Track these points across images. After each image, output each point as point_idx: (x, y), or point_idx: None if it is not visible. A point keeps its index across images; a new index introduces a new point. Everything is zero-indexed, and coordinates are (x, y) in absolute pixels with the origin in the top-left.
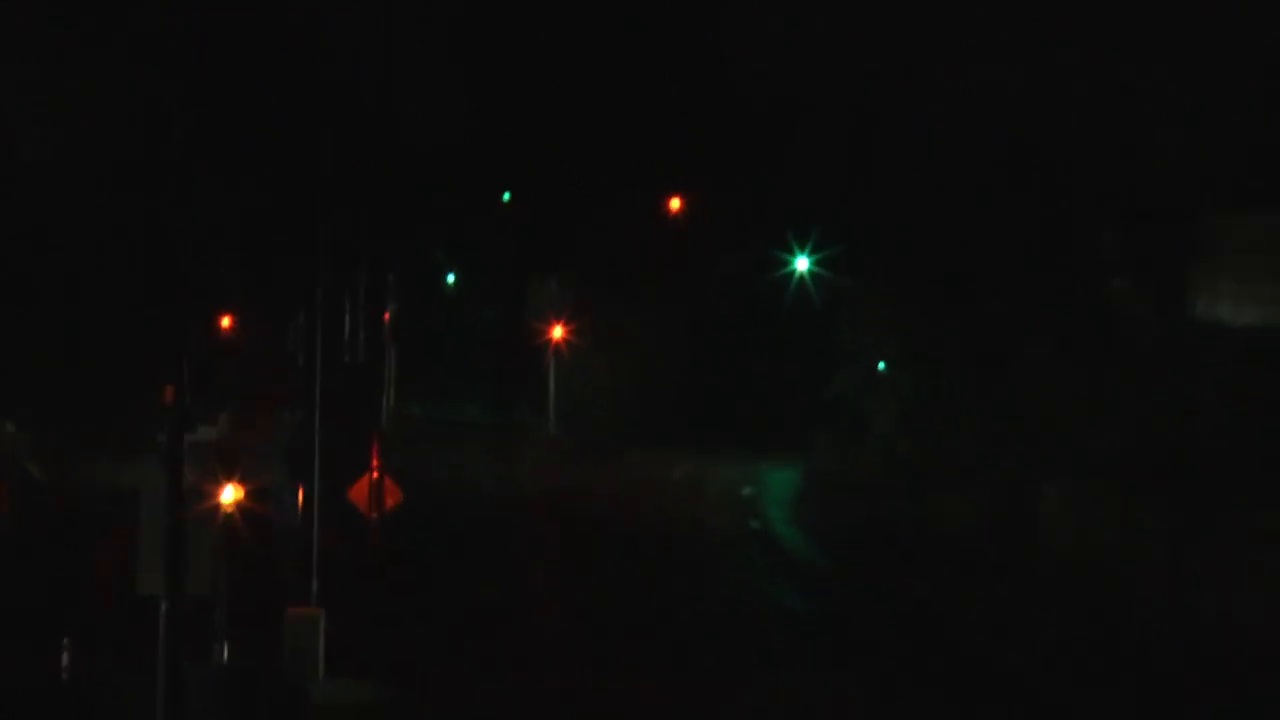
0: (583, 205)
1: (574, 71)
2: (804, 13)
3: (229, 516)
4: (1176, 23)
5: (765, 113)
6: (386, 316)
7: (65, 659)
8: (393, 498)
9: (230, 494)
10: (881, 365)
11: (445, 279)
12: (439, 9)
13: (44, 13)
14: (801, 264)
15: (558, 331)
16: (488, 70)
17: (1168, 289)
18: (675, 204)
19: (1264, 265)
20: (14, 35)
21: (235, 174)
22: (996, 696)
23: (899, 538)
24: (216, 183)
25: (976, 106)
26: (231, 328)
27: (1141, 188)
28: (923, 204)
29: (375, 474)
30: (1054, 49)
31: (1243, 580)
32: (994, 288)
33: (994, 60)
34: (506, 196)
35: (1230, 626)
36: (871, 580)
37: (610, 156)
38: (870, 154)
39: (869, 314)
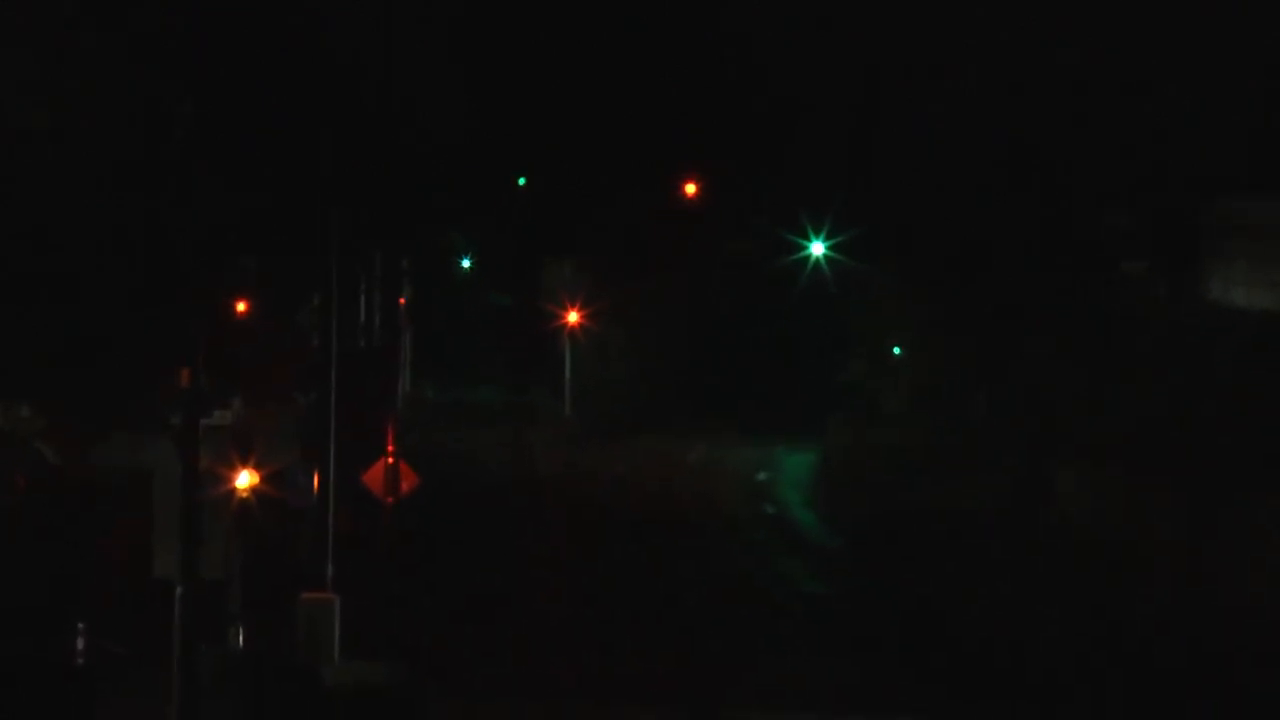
0: (597, 190)
1: (576, 63)
2: (805, 10)
3: (244, 501)
4: (1175, 13)
5: (768, 107)
6: (402, 301)
7: (79, 643)
8: (408, 482)
9: (245, 479)
10: (897, 350)
11: (460, 263)
12: (440, 7)
13: (44, 12)
14: (817, 248)
15: (572, 316)
16: (490, 64)
17: (1180, 273)
18: (690, 189)
19: (1277, 249)
20: (14, 35)
21: (244, 161)
22: (1004, 684)
23: (913, 524)
24: (227, 169)
25: (977, 105)
26: (247, 312)
27: (1152, 172)
28: (924, 197)
29: (390, 458)
30: (1054, 48)
31: (1256, 570)
32: (1001, 277)
33: (994, 60)
34: (522, 181)
35: (1243, 620)
36: (886, 567)
37: (618, 143)
38: (870, 151)
39: (881, 300)
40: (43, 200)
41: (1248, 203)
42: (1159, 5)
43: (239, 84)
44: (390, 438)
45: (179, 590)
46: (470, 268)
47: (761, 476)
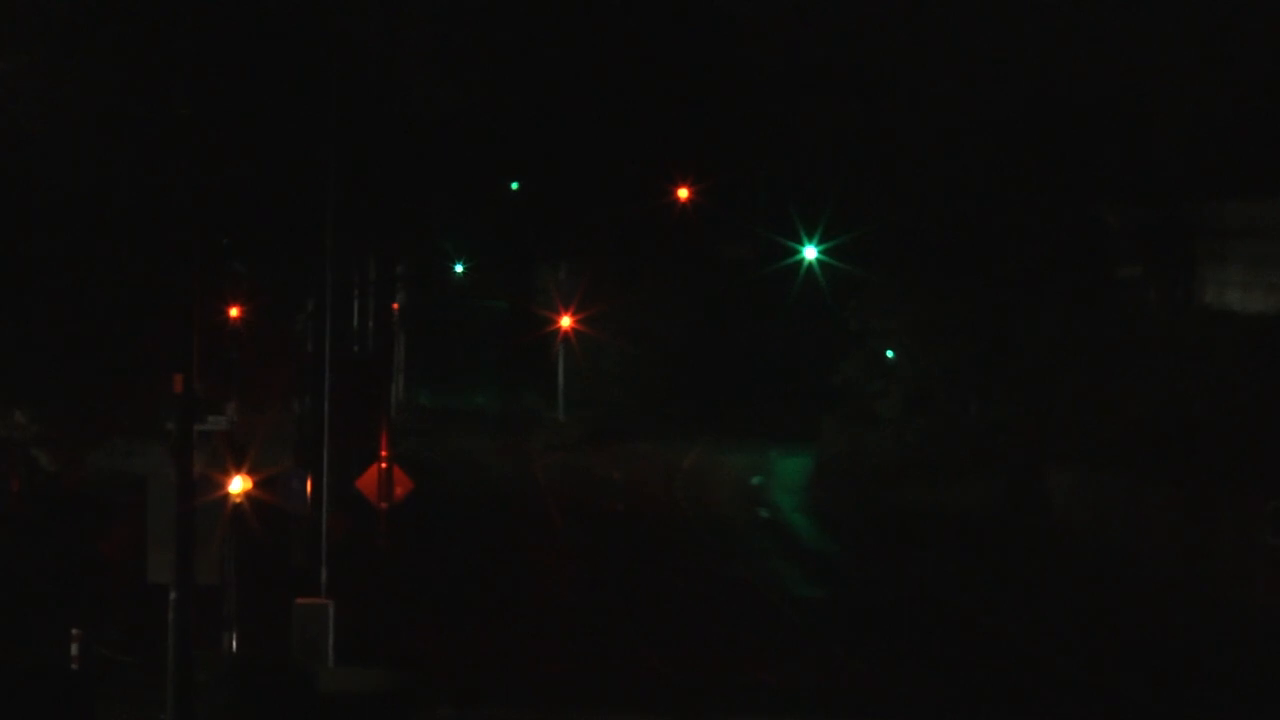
0: (590, 194)
1: (577, 64)
2: (805, 10)
3: (238, 506)
4: (1182, 14)
5: (765, 110)
6: (395, 306)
7: (75, 648)
8: (402, 487)
9: (239, 484)
10: (890, 353)
11: (453, 268)
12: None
13: (41, 10)
14: (810, 253)
15: (566, 320)
16: (487, 66)
17: (1176, 275)
18: (684, 193)
19: (1273, 250)
20: (10, 37)
21: (240, 162)
22: (1002, 683)
23: (908, 524)
24: (222, 171)
25: (981, 102)
26: (240, 317)
27: (1148, 176)
28: (922, 199)
29: (384, 463)
30: (1054, 49)
31: (1252, 571)
32: (998, 280)
33: (997, 56)
34: (515, 185)
35: (1242, 619)
36: (879, 566)
37: (615, 146)
38: (869, 152)
39: (877, 301)
40: (37, 202)
41: (1243, 206)
42: (1159, 6)
43: (238, 82)
44: (384, 443)
45: (173, 595)
46: (464, 272)
47: (756, 480)
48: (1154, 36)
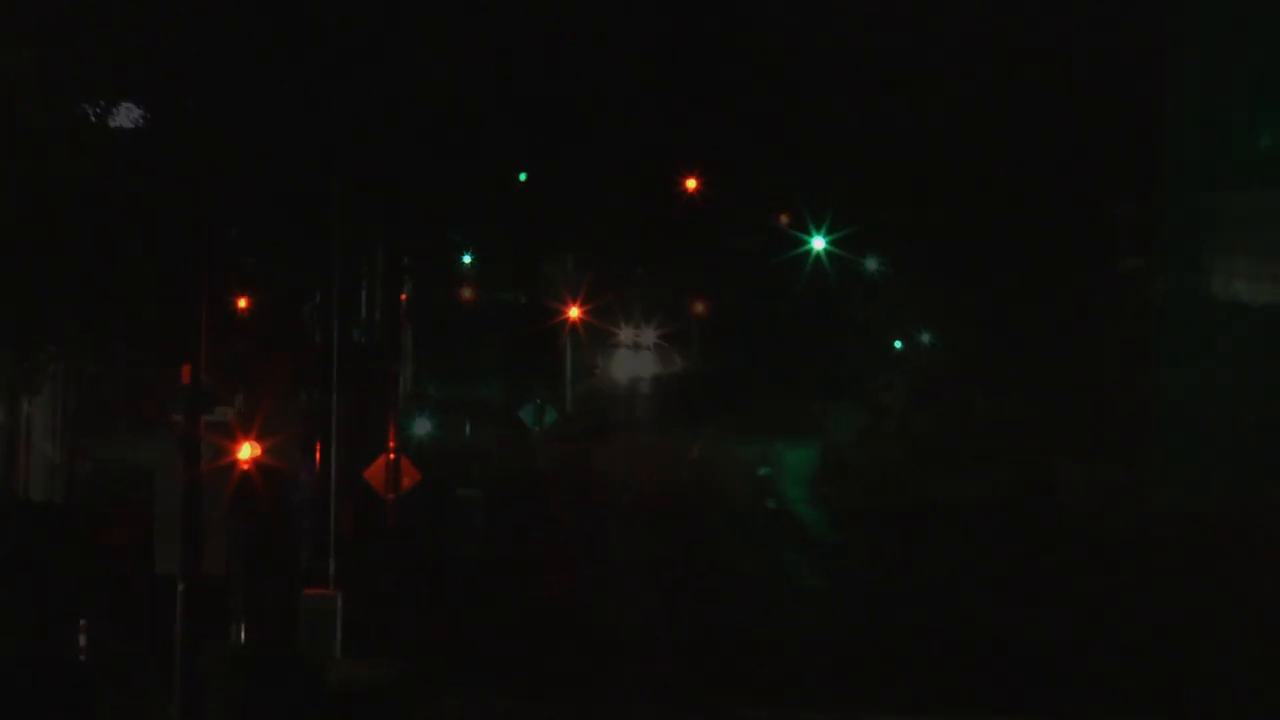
0: (597, 186)
1: (583, 58)
2: (806, 5)
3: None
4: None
5: (771, 102)
6: (403, 297)
7: (82, 639)
8: (409, 478)
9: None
10: (898, 344)
11: (461, 259)
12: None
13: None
14: (818, 243)
15: (574, 311)
16: (497, 52)
17: (1183, 267)
18: (692, 184)
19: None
20: (18, 32)
21: (246, 156)
22: (1007, 679)
23: (915, 516)
24: (230, 166)
25: (982, 97)
26: (248, 308)
27: (1154, 166)
28: (926, 193)
29: (392, 454)
30: (1055, 45)
31: (1258, 563)
32: (1003, 272)
33: (995, 57)
34: (523, 176)
35: (1244, 614)
36: (886, 558)
37: (622, 139)
38: (872, 147)
39: (884, 293)
40: (40, 198)
41: (1250, 196)
42: (1159, 2)
43: (246, 74)
44: (392, 434)
45: (180, 587)
46: (471, 264)
47: (763, 471)
48: (1156, 28)
